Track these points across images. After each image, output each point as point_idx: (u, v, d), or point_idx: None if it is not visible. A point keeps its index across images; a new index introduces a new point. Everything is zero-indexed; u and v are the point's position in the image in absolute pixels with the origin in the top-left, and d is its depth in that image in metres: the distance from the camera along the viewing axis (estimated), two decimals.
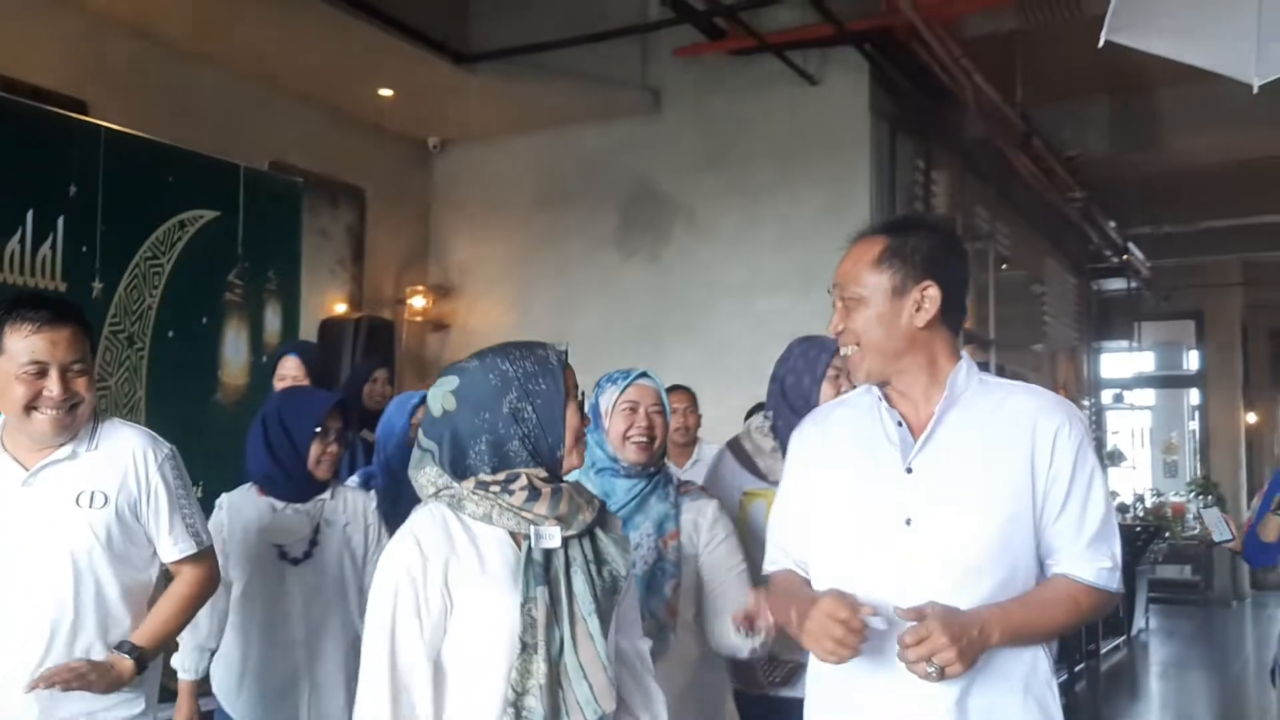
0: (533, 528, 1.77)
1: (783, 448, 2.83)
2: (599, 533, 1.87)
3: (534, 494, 1.78)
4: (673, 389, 4.80)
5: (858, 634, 1.78)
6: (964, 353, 1.98)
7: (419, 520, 1.79)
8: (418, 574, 1.72)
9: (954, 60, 6.35)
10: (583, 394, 1.92)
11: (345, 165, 7.39)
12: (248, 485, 3.10)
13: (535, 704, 1.70)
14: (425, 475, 1.82)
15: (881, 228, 1.99)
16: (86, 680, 2.25)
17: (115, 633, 2.38)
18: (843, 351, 1.99)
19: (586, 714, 1.74)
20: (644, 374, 2.61)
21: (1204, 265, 12.98)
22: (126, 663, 2.34)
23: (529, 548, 1.77)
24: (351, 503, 3.14)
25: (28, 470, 2.35)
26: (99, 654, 2.34)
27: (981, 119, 7.01)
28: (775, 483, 2.83)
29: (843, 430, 2.03)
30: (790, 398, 2.81)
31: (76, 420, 2.36)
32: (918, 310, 1.90)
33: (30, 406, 2.30)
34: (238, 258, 5.46)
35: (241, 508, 3.05)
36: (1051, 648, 1.98)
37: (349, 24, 5.92)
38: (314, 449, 3.05)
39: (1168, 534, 11.99)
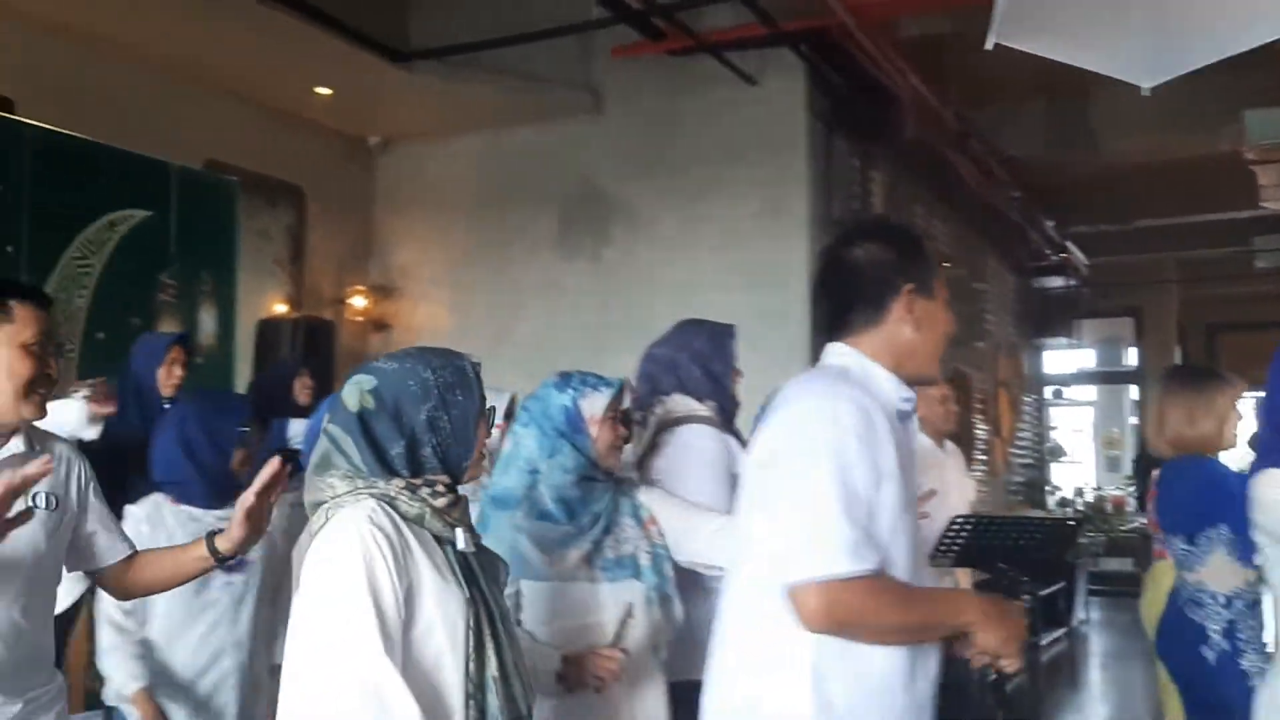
0: (457, 531, 1.79)
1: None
2: (484, 545, 1.90)
3: (454, 499, 1.81)
4: None
5: None
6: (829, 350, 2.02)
7: (368, 509, 1.72)
8: (385, 552, 1.67)
9: (888, 61, 6.42)
10: (492, 408, 1.92)
11: (283, 164, 7.32)
12: (156, 495, 2.95)
13: (493, 699, 1.72)
14: (336, 473, 1.77)
15: None
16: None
17: (41, 640, 2.27)
18: None
19: (521, 708, 1.78)
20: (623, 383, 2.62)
21: (1141, 263, 13.20)
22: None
23: (455, 550, 1.79)
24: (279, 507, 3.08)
25: None
26: (30, 667, 2.23)
27: (917, 119, 7.08)
28: None
29: None
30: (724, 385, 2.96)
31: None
32: None
33: (31, 385, 2.19)
34: (171, 258, 5.40)
35: (164, 518, 2.91)
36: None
37: (284, 21, 5.86)
38: (239, 452, 2.96)
39: (1105, 526, 12.20)
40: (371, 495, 1.73)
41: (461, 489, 1.88)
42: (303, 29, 5.99)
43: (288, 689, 1.66)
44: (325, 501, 1.76)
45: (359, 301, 7.85)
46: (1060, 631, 9.86)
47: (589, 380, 2.55)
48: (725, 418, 3.04)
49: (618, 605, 2.40)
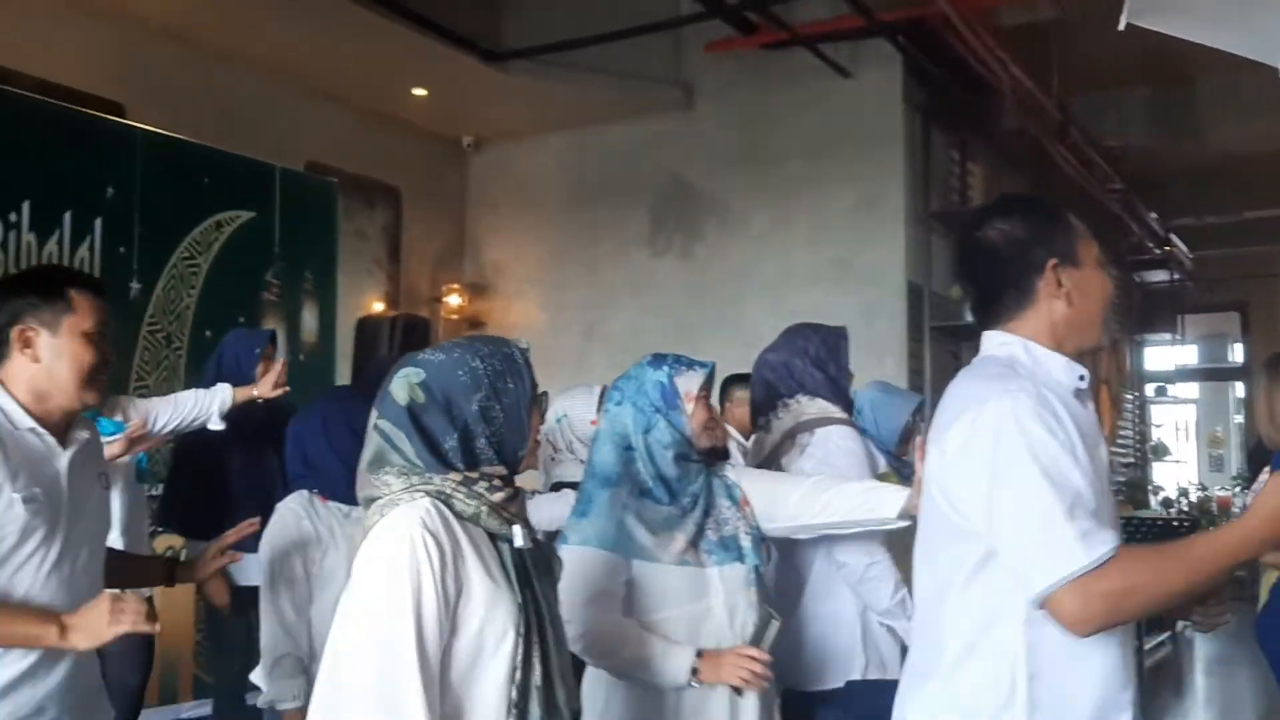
0: (514, 528, 1.73)
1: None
2: (539, 539, 1.83)
3: (513, 493, 1.76)
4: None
5: None
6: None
7: (422, 510, 1.66)
8: (435, 559, 1.62)
9: (988, 50, 6.29)
10: (544, 394, 1.88)
11: (380, 165, 7.45)
12: (304, 493, 2.92)
13: (535, 707, 1.66)
14: (391, 470, 1.71)
15: None
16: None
17: None
18: None
19: (565, 716, 1.73)
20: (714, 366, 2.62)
21: (1248, 256, 12.75)
22: None
23: (512, 548, 1.73)
24: None
25: (65, 449, 2.23)
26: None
27: (1017, 109, 6.93)
28: None
29: None
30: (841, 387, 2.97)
31: None
32: None
33: (93, 372, 2.22)
34: (275, 257, 5.51)
35: (318, 512, 2.91)
36: None
37: (381, 24, 5.97)
38: None
39: (1211, 528, 11.81)
40: (427, 493, 1.68)
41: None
42: (400, 31, 6.09)
43: (323, 685, 1.62)
44: (380, 498, 1.71)
45: (454, 300, 7.96)
46: (1164, 636, 9.58)
47: (683, 360, 2.55)
48: None
49: (726, 589, 2.41)
